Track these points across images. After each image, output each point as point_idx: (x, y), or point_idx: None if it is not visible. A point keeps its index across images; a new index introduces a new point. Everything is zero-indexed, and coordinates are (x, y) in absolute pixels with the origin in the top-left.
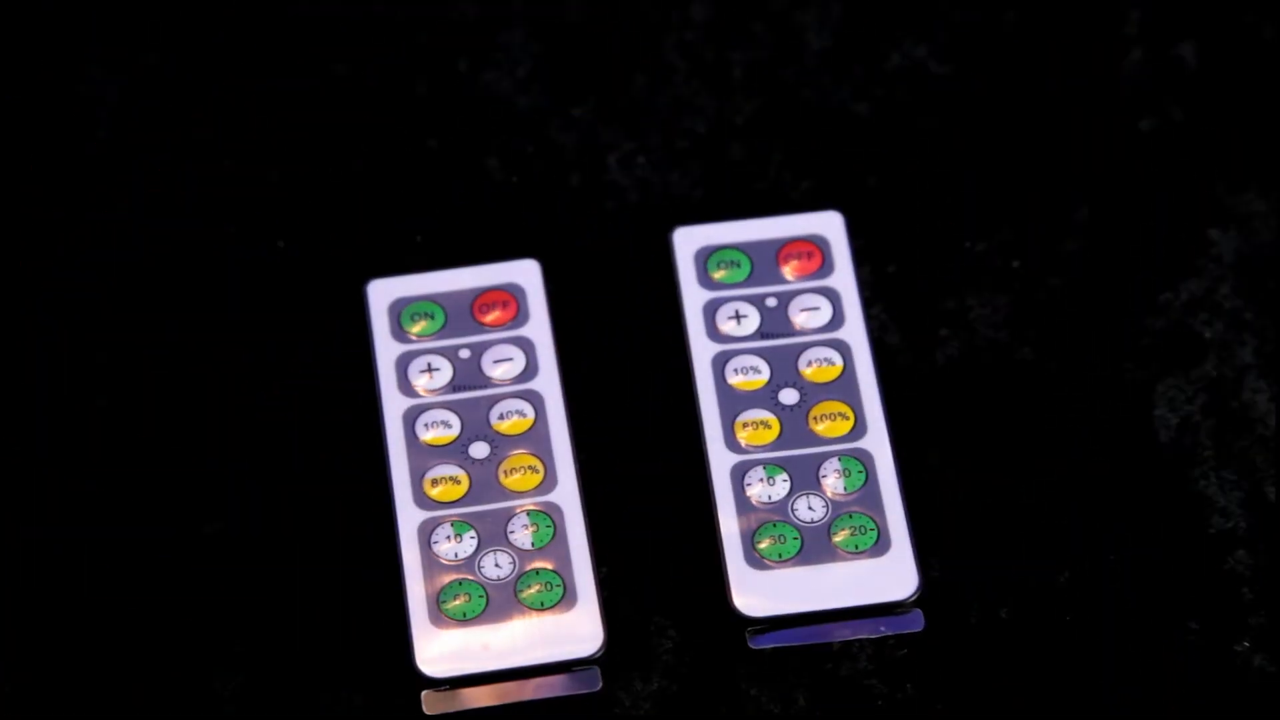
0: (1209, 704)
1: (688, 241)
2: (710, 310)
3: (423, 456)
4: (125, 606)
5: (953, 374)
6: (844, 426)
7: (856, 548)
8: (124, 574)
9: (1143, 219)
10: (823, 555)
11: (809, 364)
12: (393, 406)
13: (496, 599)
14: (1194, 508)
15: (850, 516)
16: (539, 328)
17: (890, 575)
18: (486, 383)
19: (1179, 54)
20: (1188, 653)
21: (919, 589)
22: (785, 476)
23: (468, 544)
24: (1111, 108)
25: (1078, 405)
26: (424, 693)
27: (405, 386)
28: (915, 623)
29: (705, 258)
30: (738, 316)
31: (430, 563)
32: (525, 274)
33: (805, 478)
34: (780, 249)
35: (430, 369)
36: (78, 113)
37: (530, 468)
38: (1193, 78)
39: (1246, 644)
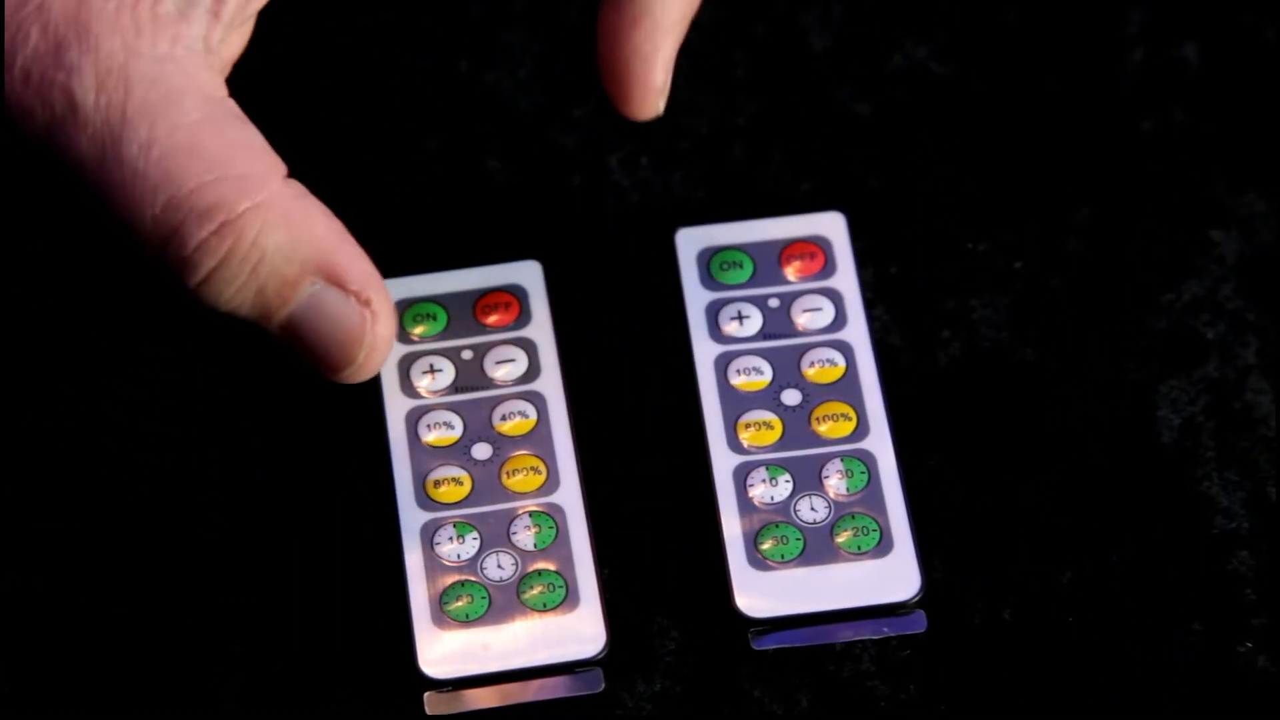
0: (1211, 705)
1: (690, 242)
2: (713, 311)
3: (425, 458)
4: (126, 607)
5: (954, 375)
6: (846, 427)
7: (859, 548)
8: (124, 575)
9: (1144, 220)
10: (825, 556)
11: (811, 365)
12: (395, 408)
13: (499, 600)
14: (1196, 509)
15: (853, 517)
16: (541, 329)
17: (893, 576)
18: (489, 384)
19: (1181, 55)
20: (1190, 654)
21: (921, 590)
22: (787, 477)
23: (470, 545)
24: (1113, 108)
25: (1079, 406)
26: (426, 694)
27: (408, 388)
28: (918, 624)
29: (707, 259)
30: (740, 317)
31: (432, 564)
32: (527, 275)
33: (807, 478)
34: (782, 250)
35: (432, 370)
36: None
37: (532, 469)
38: (1194, 78)
39: (1249, 645)
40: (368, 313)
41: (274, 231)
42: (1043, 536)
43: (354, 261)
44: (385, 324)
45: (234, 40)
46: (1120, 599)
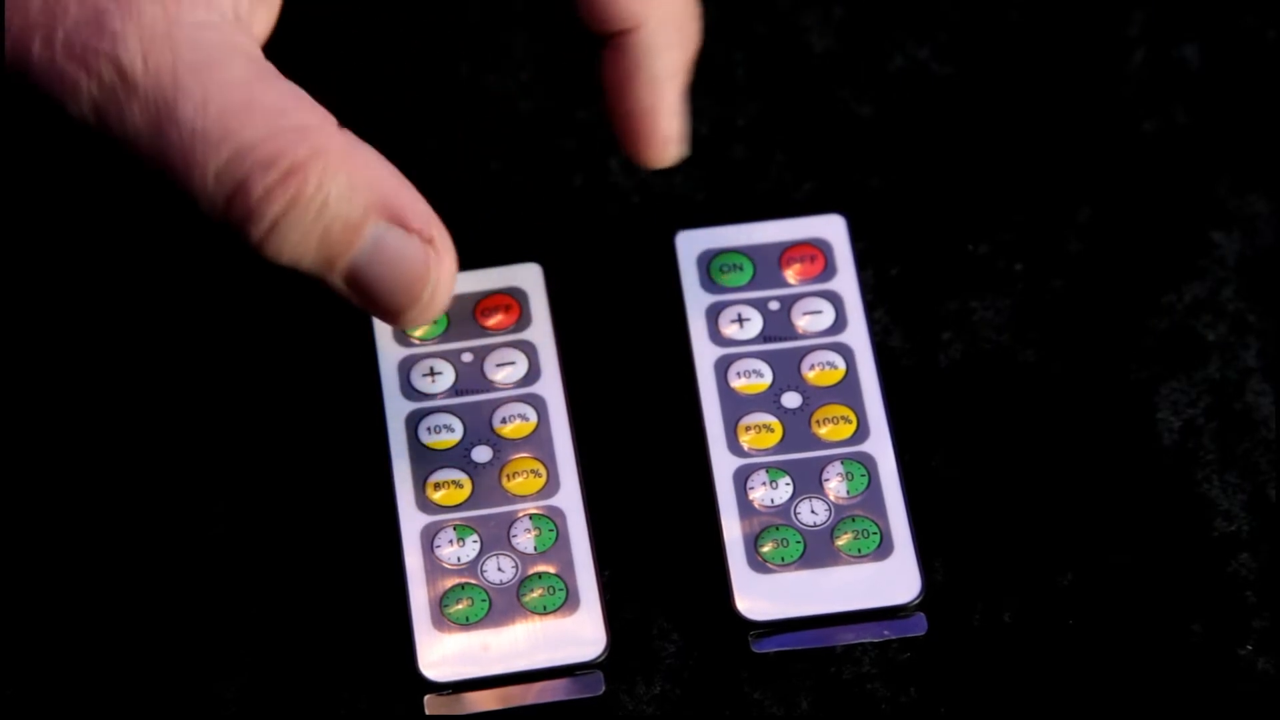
0: (1212, 707)
1: (690, 245)
2: (713, 314)
3: (425, 460)
4: (127, 609)
5: (955, 377)
6: (846, 430)
7: (859, 551)
8: (125, 577)
9: (1145, 220)
10: (825, 559)
11: (811, 367)
12: (396, 410)
13: (499, 603)
14: (1197, 511)
15: (853, 520)
16: (541, 331)
17: (893, 578)
18: (489, 386)
19: (1182, 55)
20: (1190, 656)
21: (922, 592)
22: (788, 480)
23: (470, 548)
24: (1113, 109)
25: (1080, 407)
26: (426, 696)
27: (408, 390)
28: (918, 626)
29: (708, 261)
30: (740, 320)
31: (433, 567)
32: (527, 277)
33: (808, 481)
34: (783, 252)
35: (433, 373)
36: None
37: (533, 471)
38: (1196, 79)
39: (1250, 647)
40: (431, 250)
41: (336, 176)
42: (1043, 538)
43: (414, 202)
44: (449, 261)
45: (261, 16)
46: (1121, 600)
